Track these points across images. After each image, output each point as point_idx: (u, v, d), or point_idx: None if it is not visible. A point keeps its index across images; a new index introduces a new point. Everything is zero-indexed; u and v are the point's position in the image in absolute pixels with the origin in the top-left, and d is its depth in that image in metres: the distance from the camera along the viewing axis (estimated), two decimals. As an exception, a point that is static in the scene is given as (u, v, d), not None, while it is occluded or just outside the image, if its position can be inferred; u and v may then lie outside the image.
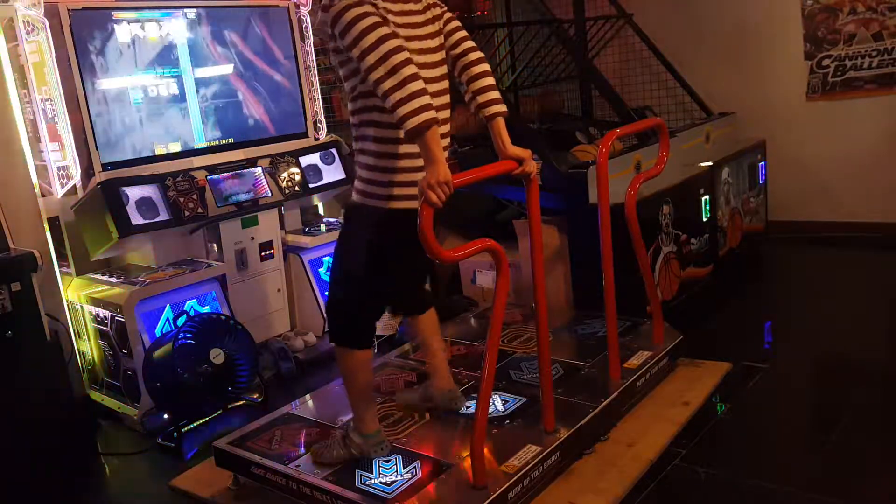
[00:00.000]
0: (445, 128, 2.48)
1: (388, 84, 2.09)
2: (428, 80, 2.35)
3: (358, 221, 2.49)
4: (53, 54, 3.31)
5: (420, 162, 2.25)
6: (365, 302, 2.54)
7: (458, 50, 2.47)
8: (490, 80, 2.44)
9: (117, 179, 3.47)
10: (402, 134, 2.25)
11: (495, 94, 2.42)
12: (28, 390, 2.91)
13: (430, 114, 2.10)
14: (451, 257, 2.20)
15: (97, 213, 3.42)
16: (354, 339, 2.53)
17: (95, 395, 3.62)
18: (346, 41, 2.17)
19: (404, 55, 2.12)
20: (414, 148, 2.28)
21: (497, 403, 2.85)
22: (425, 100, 2.10)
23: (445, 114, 2.48)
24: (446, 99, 2.50)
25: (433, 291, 4.39)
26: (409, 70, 2.11)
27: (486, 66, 2.45)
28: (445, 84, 2.48)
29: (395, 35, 2.16)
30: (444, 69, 2.48)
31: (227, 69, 3.95)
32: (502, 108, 2.42)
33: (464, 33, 2.50)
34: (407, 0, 2.38)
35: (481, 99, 2.41)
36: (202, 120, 3.86)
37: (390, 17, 2.29)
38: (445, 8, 2.53)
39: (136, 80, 3.60)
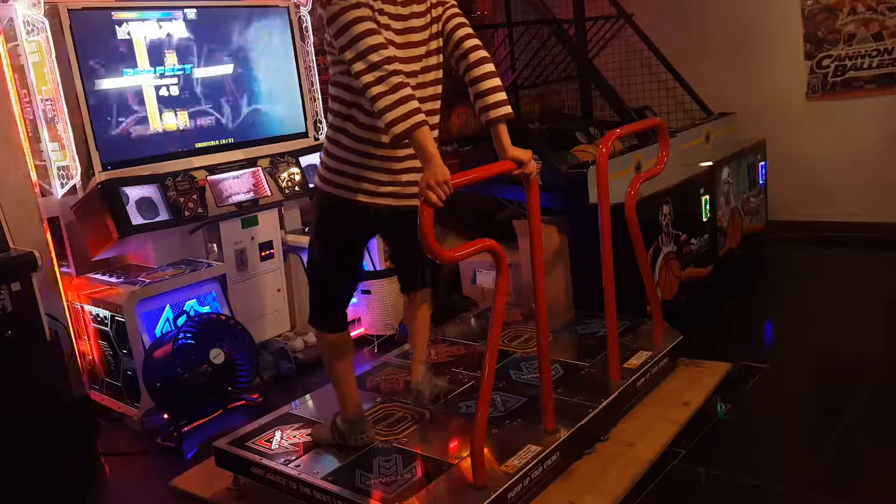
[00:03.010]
0: (434, 133, 2.47)
1: (376, 90, 2.12)
2: (421, 85, 2.37)
3: (323, 208, 2.55)
4: (53, 54, 3.31)
5: (396, 164, 2.37)
6: (329, 287, 2.62)
7: (461, 50, 2.42)
8: (493, 82, 2.38)
9: (117, 179, 3.47)
10: (363, 133, 2.34)
11: (498, 97, 2.37)
12: (28, 390, 2.90)
13: (419, 117, 2.11)
14: (451, 257, 2.20)
15: (97, 213, 3.42)
16: (322, 322, 2.63)
17: (95, 396, 3.62)
18: (339, 42, 2.21)
19: (395, 65, 2.15)
20: (392, 148, 2.33)
21: (497, 403, 2.85)
22: (412, 104, 2.11)
23: (434, 119, 2.46)
24: (437, 105, 2.48)
25: (433, 292, 4.39)
26: (398, 78, 2.13)
27: (488, 67, 2.40)
28: (438, 89, 2.47)
29: (386, 45, 2.18)
30: (438, 73, 2.45)
31: (227, 69, 3.95)
32: (504, 110, 2.38)
33: (466, 31, 2.44)
34: (408, 3, 2.37)
35: (483, 102, 2.38)
36: (202, 120, 3.86)
37: (386, 19, 2.29)
38: (450, 3, 2.47)
39: (135, 80, 3.60)
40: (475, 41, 2.43)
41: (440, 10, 2.44)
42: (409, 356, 3.19)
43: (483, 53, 2.41)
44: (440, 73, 2.46)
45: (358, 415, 2.67)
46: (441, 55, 2.45)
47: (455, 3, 2.50)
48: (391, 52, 2.19)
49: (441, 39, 2.44)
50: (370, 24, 2.19)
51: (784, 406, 3.09)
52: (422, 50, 2.39)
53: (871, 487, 2.47)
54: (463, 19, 2.48)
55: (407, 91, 2.13)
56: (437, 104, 2.49)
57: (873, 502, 2.42)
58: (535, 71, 5.16)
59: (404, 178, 2.42)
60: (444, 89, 2.51)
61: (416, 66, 2.37)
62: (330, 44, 2.32)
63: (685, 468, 2.66)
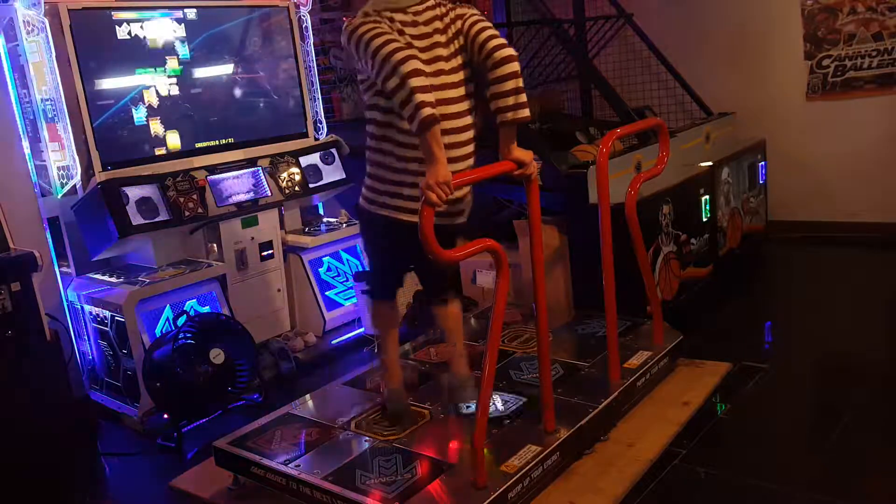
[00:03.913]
0: (468, 148, 2.47)
1: (391, 84, 2.15)
2: (452, 100, 2.38)
3: (360, 221, 2.75)
4: (53, 54, 3.31)
5: (413, 178, 2.37)
6: (378, 273, 2.90)
7: (486, 50, 2.35)
8: (517, 83, 2.33)
9: (117, 179, 3.47)
10: (401, 151, 2.38)
11: (520, 98, 2.33)
12: (28, 390, 2.90)
13: (426, 111, 2.11)
14: (451, 257, 2.21)
15: (97, 213, 3.42)
16: (372, 291, 2.93)
17: (95, 396, 3.62)
18: (360, 53, 2.26)
19: (406, 52, 2.16)
20: (414, 165, 2.35)
21: (497, 403, 2.85)
22: (422, 97, 2.11)
23: (468, 135, 2.46)
24: (469, 121, 2.47)
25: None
26: (410, 66, 2.12)
27: (513, 67, 2.32)
28: (466, 105, 2.45)
29: (404, 45, 2.21)
30: (470, 87, 2.45)
31: (227, 69, 3.95)
32: (523, 113, 2.35)
33: (489, 33, 2.39)
34: (430, 21, 2.38)
35: (503, 102, 2.34)
36: (202, 120, 3.86)
37: (407, 38, 2.33)
38: (470, 13, 2.44)
39: (135, 80, 3.60)
40: (499, 41, 2.38)
41: (460, 23, 2.43)
42: (409, 357, 3.22)
43: (508, 52, 2.35)
44: (472, 87, 2.46)
45: (394, 386, 2.91)
46: (469, 69, 2.45)
47: (475, 10, 2.47)
48: (408, 49, 2.20)
49: (465, 52, 2.43)
50: (385, 29, 2.24)
51: (784, 406, 3.09)
52: (451, 64, 2.41)
53: (871, 487, 2.47)
54: (485, 23, 2.43)
55: (419, 82, 2.12)
56: (469, 120, 2.47)
57: (873, 502, 2.42)
58: (535, 71, 5.16)
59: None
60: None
61: (447, 80, 2.38)
62: (360, 70, 2.38)
63: (685, 468, 2.66)
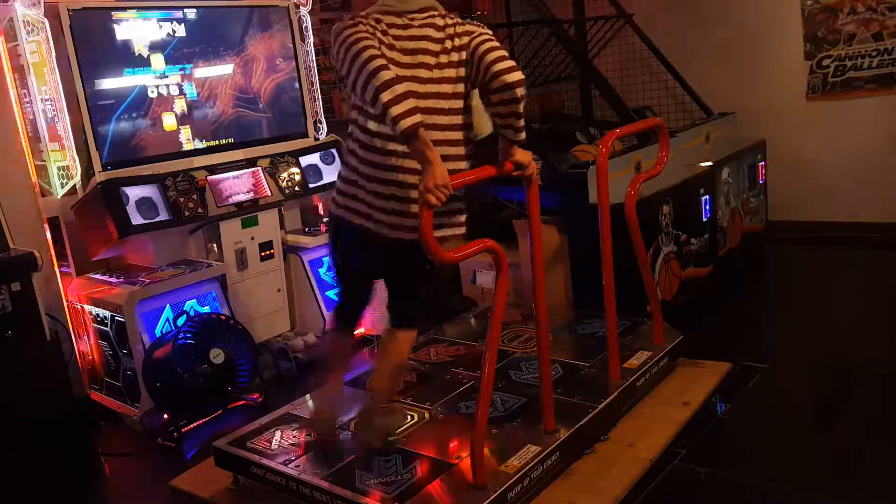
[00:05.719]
0: (463, 164, 2.41)
1: (368, 95, 2.13)
2: (439, 111, 2.33)
3: (330, 227, 2.65)
4: (53, 54, 3.31)
5: (385, 189, 2.33)
6: (340, 290, 2.83)
7: (490, 74, 2.28)
8: (513, 108, 2.29)
9: (117, 179, 3.47)
10: (373, 157, 2.33)
11: (513, 122, 2.32)
12: (28, 390, 2.91)
13: (404, 123, 2.08)
14: (451, 257, 2.21)
15: (97, 213, 3.42)
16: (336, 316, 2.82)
17: (95, 395, 3.63)
18: (340, 56, 2.24)
19: (380, 62, 2.14)
20: (386, 173, 2.32)
21: (497, 403, 2.85)
22: (397, 109, 2.08)
23: (458, 150, 2.40)
24: (458, 135, 2.40)
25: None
26: (381, 78, 2.10)
27: (514, 93, 2.26)
28: (455, 118, 2.38)
29: (378, 50, 2.19)
30: (459, 102, 2.38)
31: (226, 69, 3.95)
32: (521, 136, 2.36)
33: (497, 54, 2.29)
34: (425, 25, 2.34)
35: (506, 121, 2.34)
36: (202, 119, 3.86)
37: (390, 39, 2.29)
38: (480, 31, 2.37)
39: (135, 80, 3.60)
40: (507, 63, 2.28)
41: (466, 38, 2.36)
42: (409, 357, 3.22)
43: (516, 76, 2.26)
44: (460, 104, 2.39)
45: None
46: (465, 83, 2.38)
47: (485, 30, 2.39)
48: (384, 59, 2.18)
49: (464, 68, 2.36)
50: (367, 41, 2.20)
51: (784, 406, 3.09)
52: (440, 73, 2.34)
53: (871, 487, 2.47)
54: (494, 43, 2.34)
55: (392, 93, 2.09)
56: (459, 134, 2.41)
57: (873, 502, 2.42)
58: (535, 71, 5.16)
59: (413, 208, 2.30)
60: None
61: (430, 89, 2.33)
62: (338, 71, 2.36)
63: (685, 468, 2.66)
